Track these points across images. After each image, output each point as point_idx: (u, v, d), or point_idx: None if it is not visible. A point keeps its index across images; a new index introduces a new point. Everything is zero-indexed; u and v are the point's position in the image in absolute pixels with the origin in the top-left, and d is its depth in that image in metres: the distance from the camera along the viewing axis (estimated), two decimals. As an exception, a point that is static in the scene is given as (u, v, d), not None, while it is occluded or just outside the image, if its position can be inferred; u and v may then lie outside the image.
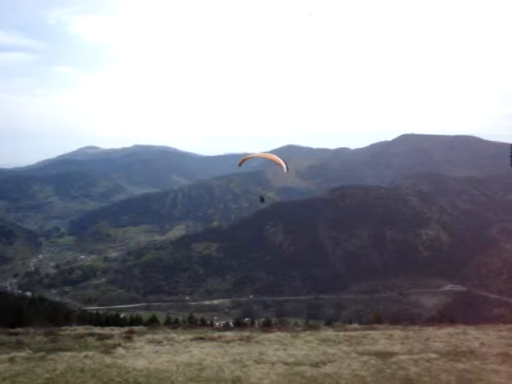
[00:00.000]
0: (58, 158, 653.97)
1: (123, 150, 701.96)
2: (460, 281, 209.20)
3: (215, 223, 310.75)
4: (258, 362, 15.80)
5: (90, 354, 16.99)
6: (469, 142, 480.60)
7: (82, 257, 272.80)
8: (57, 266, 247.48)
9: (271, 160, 34.72)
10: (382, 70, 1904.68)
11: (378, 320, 44.49)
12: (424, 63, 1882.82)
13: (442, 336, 19.86)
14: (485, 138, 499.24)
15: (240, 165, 38.87)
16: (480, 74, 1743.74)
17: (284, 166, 33.61)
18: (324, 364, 15.36)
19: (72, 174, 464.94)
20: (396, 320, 40.87)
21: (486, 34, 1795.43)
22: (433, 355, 16.13)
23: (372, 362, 15.43)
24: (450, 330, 21.55)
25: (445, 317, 64.00)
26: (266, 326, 43.82)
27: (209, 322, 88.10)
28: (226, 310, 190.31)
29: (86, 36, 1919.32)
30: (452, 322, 33.82)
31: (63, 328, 23.82)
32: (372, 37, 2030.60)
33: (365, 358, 16.04)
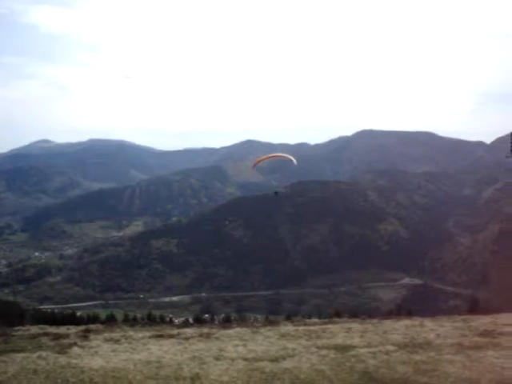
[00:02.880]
0: (9, 152, 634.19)
1: (78, 144, 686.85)
2: (417, 274, 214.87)
3: (174, 219, 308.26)
4: (217, 358, 15.65)
5: (44, 354, 16.43)
6: (426, 138, 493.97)
7: (36, 254, 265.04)
8: (9, 264, 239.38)
9: (281, 157, 37.11)
10: (341, 66, 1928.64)
11: (337, 314, 44.97)
12: (383, 60, 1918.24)
13: (399, 328, 20.13)
14: (441, 134, 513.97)
15: (254, 167, 40.70)
16: (438, 72, 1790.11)
17: (293, 159, 36.73)
18: (283, 359, 15.34)
19: (25, 168, 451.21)
20: (355, 314, 41.38)
21: (444, 31, 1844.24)
22: (390, 347, 16.34)
23: (331, 355, 15.51)
24: (407, 322, 21.87)
25: (402, 310, 65.59)
26: (226, 322, 43.74)
27: (168, 319, 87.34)
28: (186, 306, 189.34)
29: (41, 26, 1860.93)
30: (409, 314, 34.52)
31: (16, 328, 22.96)
32: (331, 32, 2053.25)
33: (324, 351, 16.10)
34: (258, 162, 39.26)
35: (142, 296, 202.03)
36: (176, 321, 79.17)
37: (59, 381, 13.58)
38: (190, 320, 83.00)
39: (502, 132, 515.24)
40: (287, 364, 14.67)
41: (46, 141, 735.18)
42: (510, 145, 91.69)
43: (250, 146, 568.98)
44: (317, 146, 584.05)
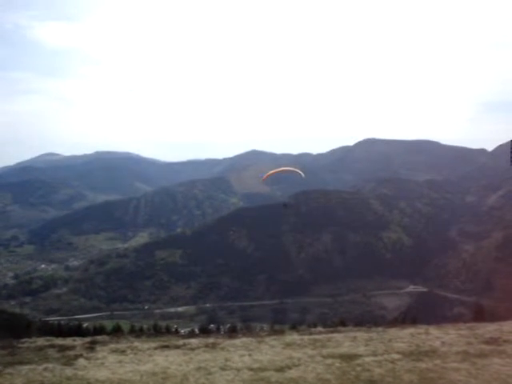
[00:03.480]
0: (16, 165, 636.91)
1: (84, 156, 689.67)
2: (421, 282, 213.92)
3: (179, 230, 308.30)
4: (223, 368, 15.70)
5: (50, 366, 16.52)
6: (428, 146, 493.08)
7: (43, 266, 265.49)
8: (16, 276, 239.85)
9: (290, 171, 38.31)
10: (343, 76, 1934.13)
11: (342, 323, 44.87)
12: (384, 70, 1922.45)
13: (404, 336, 20.14)
14: (443, 142, 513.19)
15: (264, 180, 41.56)
16: (439, 81, 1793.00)
17: (301, 173, 38.97)
18: (289, 368, 15.38)
19: (31, 181, 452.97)
20: (360, 322, 41.30)
21: (445, 41, 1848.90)
22: (396, 356, 16.36)
23: (336, 364, 15.54)
24: (412, 330, 21.87)
25: (407, 317, 65.22)
26: (232, 332, 43.65)
27: (174, 330, 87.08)
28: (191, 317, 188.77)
29: (46, 41, 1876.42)
30: (414, 322, 34.43)
31: (22, 340, 23.06)
32: (333, 43, 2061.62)
33: (329, 361, 16.13)
34: (268, 175, 39.78)
35: (146, 307, 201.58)
36: (182, 331, 78.67)
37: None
38: (196, 330, 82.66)
39: (504, 139, 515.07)
40: (292, 373, 14.71)
41: (52, 154, 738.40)
42: (510, 153, 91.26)
43: (253, 157, 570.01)
44: (319, 155, 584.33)
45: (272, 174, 38.88)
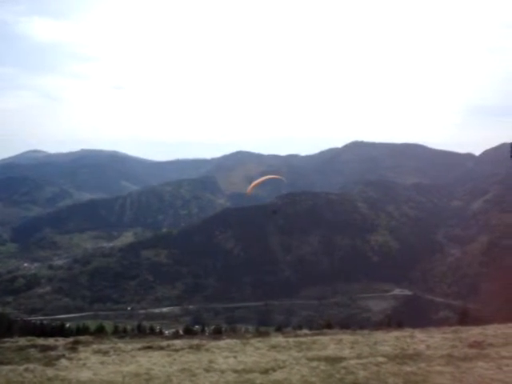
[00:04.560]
0: (0, 161, 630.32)
1: (70, 154, 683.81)
2: (407, 285, 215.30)
3: (165, 229, 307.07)
4: (207, 370, 15.58)
5: (31, 366, 16.28)
6: (415, 150, 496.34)
7: (26, 265, 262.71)
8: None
9: (272, 178, 40.37)
10: (330, 78, 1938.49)
11: (328, 325, 44.90)
12: (373, 73, 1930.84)
13: (389, 340, 20.18)
14: (431, 146, 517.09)
15: (249, 193, 41.97)
16: (427, 85, 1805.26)
17: (283, 178, 43.12)
18: (274, 370, 15.30)
19: (15, 178, 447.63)
20: (345, 325, 41.40)
21: (434, 45, 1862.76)
22: (381, 359, 16.36)
23: (321, 367, 15.49)
24: (397, 333, 21.95)
25: (393, 321, 65.49)
26: (216, 334, 43.50)
27: (158, 331, 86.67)
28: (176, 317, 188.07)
29: (33, 37, 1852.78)
30: (400, 325, 34.56)
31: (4, 340, 22.77)
32: (322, 44, 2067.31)
33: (314, 363, 16.08)
34: (253, 187, 40.21)
35: (129, 308, 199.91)
36: (166, 332, 78.38)
37: (46, 393, 13.44)
38: (181, 331, 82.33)
39: (491, 144, 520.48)
40: (277, 376, 14.63)
41: (37, 151, 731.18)
42: (499, 157, 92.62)
43: (240, 157, 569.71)
44: (307, 157, 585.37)
45: (257, 184, 39.28)
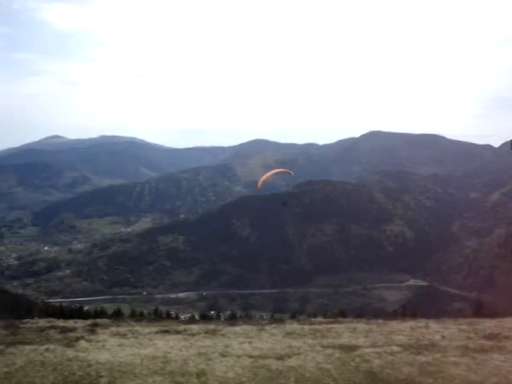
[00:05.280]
0: (21, 147, 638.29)
1: (90, 140, 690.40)
2: (422, 276, 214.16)
3: (182, 216, 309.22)
4: (223, 355, 15.75)
5: (52, 347, 16.61)
6: (434, 140, 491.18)
7: (46, 248, 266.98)
8: (19, 258, 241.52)
9: (280, 172, 41.58)
10: (351, 68, 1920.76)
11: (342, 314, 44.95)
12: (393, 63, 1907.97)
13: (404, 329, 20.13)
14: (449, 137, 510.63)
15: (260, 188, 42.34)
16: (447, 75, 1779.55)
17: (291, 172, 41.55)
18: (289, 357, 15.42)
19: (36, 163, 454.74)
20: (360, 314, 41.40)
21: (453, 36, 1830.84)
22: (395, 348, 16.37)
23: (336, 355, 15.56)
24: (412, 323, 21.86)
25: (407, 311, 65.32)
26: (232, 320, 43.84)
27: (174, 315, 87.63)
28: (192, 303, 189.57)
29: (54, 23, 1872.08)
30: (414, 315, 34.45)
31: (24, 321, 23.20)
32: (342, 33, 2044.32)
33: (329, 351, 16.16)
34: (262, 182, 40.33)
35: (145, 293, 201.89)
36: (182, 317, 79.21)
37: (66, 373, 13.75)
38: (196, 317, 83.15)
39: (510, 136, 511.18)
40: (292, 362, 14.76)
41: (58, 137, 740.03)
42: None
43: (258, 145, 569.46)
44: (325, 146, 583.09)
45: (266, 178, 39.41)
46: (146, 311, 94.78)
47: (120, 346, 17.32)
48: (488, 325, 20.68)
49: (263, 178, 39.98)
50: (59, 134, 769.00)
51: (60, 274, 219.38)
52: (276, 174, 40.58)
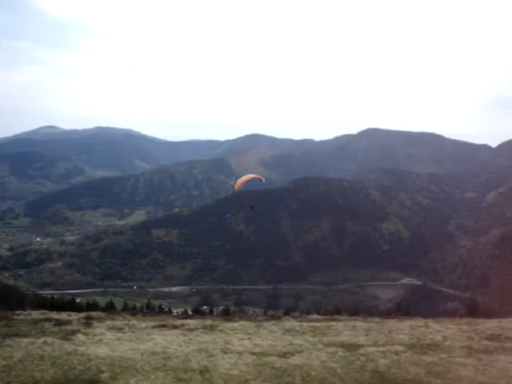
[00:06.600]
0: (14, 136, 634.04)
1: (85, 131, 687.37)
2: (416, 275, 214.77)
3: (176, 209, 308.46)
4: (224, 351, 15.48)
5: (49, 340, 16.26)
6: (431, 139, 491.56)
7: (38, 239, 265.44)
8: (11, 248, 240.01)
9: (254, 178, 41.54)
10: (351, 64, 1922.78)
11: (337, 311, 44.88)
12: (391, 60, 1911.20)
13: (404, 328, 20.05)
14: (446, 136, 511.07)
15: (236, 190, 42.86)
16: (446, 74, 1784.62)
17: (263, 179, 42.02)
18: (292, 355, 15.16)
19: (30, 153, 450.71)
20: (354, 312, 41.29)
21: (453, 35, 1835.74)
22: (399, 347, 16.19)
23: (340, 353, 15.33)
24: (411, 322, 21.81)
25: (401, 309, 65.39)
26: (225, 315, 43.58)
27: (167, 309, 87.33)
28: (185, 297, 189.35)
29: (50, 12, 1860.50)
30: (408, 314, 34.37)
31: (17, 312, 22.85)
32: (341, 30, 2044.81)
33: (332, 349, 15.94)
34: (239, 186, 41.13)
35: (135, 287, 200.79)
36: (174, 311, 78.86)
37: (66, 368, 13.42)
38: (189, 311, 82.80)
39: (508, 136, 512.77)
40: (296, 360, 14.49)
41: (52, 127, 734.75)
42: None
43: (254, 140, 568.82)
44: (322, 142, 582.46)
45: (243, 182, 40.28)
46: (138, 305, 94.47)
47: (118, 340, 17.03)
48: (488, 325, 20.65)
49: (241, 180, 40.76)
50: (54, 124, 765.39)
51: (52, 265, 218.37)
52: (249, 179, 41.27)
